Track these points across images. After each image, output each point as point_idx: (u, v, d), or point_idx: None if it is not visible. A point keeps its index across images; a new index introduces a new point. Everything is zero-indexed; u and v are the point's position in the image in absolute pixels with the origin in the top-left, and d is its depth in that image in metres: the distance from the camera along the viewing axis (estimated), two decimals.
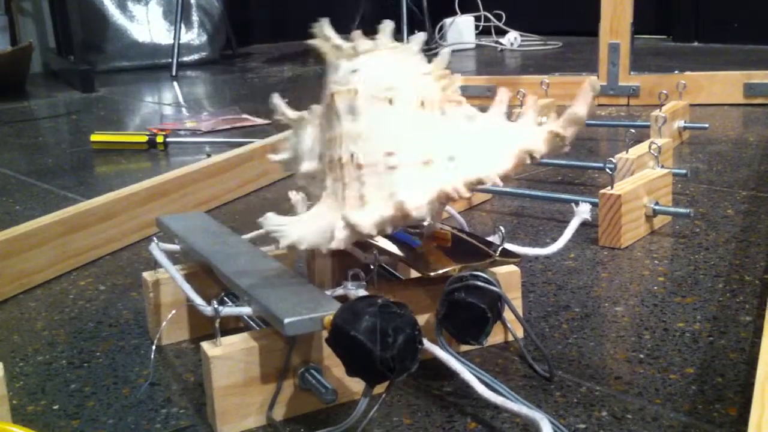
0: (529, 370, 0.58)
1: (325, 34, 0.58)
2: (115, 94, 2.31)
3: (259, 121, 1.69)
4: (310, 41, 0.59)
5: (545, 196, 0.98)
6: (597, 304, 0.69)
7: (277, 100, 0.61)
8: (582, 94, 0.48)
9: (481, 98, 1.69)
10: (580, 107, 0.48)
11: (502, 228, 0.62)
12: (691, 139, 1.30)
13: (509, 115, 0.54)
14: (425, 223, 0.65)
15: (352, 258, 0.64)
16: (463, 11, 3.04)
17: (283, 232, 0.55)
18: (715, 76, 1.61)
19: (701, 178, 1.07)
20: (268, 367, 0.52)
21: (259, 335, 0.53)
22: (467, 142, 0.52)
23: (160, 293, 0.65)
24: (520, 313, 0.61)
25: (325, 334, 0.50)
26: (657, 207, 0.86)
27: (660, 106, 1.22)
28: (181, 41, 2.74)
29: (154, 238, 0.67)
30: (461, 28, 2.96)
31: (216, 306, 0.52)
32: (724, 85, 1.59)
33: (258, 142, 1.21)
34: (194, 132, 1.62)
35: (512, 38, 2.90)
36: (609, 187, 0.83)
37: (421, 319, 0.59)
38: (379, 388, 0.49)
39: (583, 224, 0.71)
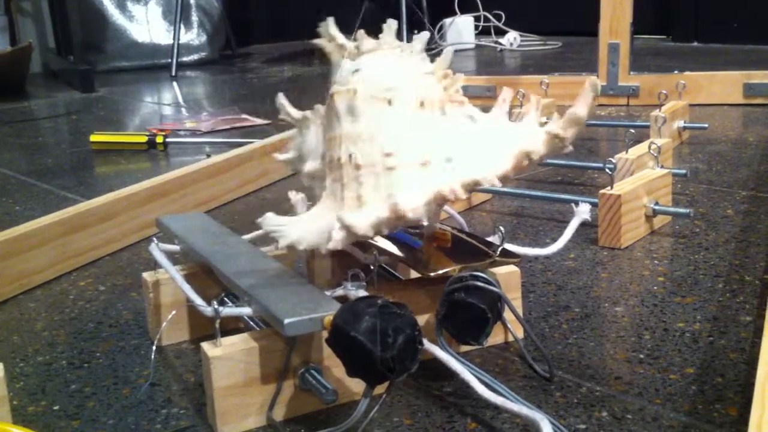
0: (529, 371, 0.59)
1: (330, 34, 0.58)
2: (114, 94, 2.31)
3: (259, 121, 1.69)
4: (315, 40, 0.59)
5: (545, 197, 0.98)
6: (597, 304, 0.69)
7: (283, 100, 0.61)
8: (582, 95, 0.48)
9: (480, 98, 1.69)
10: (581, 108, 0.48)
11: (502, 228, 0.62)
12: (690, 139, 1.30)
13: (511, 115, 0.53)
14: (425, 224, 0.65)
15: (352, 258, 0.64)
16: (463, 11, 3.04)
17: (282, 232, 0.55)
18: (715, 76, 1.61)
19: (701, 178, 1.07)
20: (268, 368, 0.52)
21: (259, 336, 0.53)
22: (466, 143, 0.52)
23: (160, 294, 0.65)
24: (520, 313, 0.61)
25: (325, 334, 0.50)
26: (657, 207, 0.86)
27: (660, 106, 1.22)
28: (180, 41, 2.74)
29: (154, 239, 0.67)
30: (461, 28, 2.96)
31: (216, 306, 0.52)
32: (723, 85, 1.59)
33: (258, 143, 1.21)
34: (194, 132, 1.62)
35: (512, 38, 2.90)
36: (609, 188, 0.83)
37: (421, 319, 0.59)
38: (380, 389, 0.49)
39: (583, 224, 0.71)
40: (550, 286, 0.74)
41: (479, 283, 0.55)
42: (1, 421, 0.50)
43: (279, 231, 0.55)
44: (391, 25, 0.57)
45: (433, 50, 2.67)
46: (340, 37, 0.58)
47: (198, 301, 0.57)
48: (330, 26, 0.58)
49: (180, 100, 2.19)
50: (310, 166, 0.58)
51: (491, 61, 2.64)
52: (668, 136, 1.16)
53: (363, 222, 0.51)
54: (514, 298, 0.63)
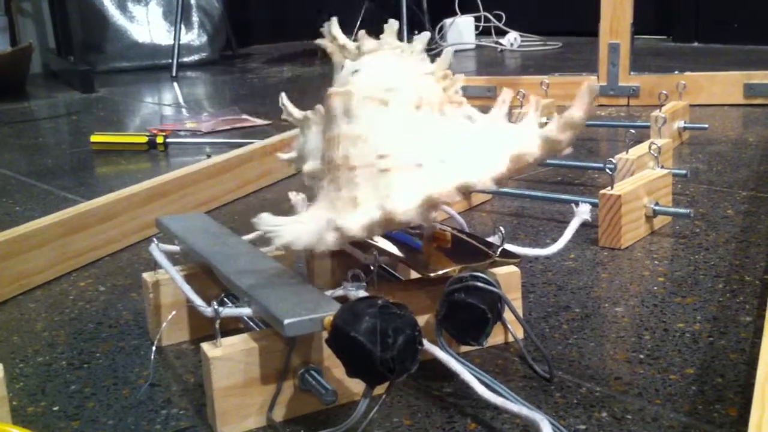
0: (529, 371, 0.58)
1: (332, 34, 0.58)
2: (115, 94, 2.31)
3: (259, 121, 1.69)
4: (317, 40, 0.59)
5: (545, 197, 0.98)
6: (597, 304, 0.69)
7: (285, 101, 0.61)
8: (579, 98, 0.48)
9: (481, 99, 1.69)
10: (577, 111, 0.48)
11: (502, 228, 0.62)
12: (690, 139, 1.30)
13: (510, 116, 0.53)
14: (424, 224, 0.65)
15: (352, 259, 0.64)
16: (463, 12, 3.04)
17: (278, 232, 0.55)
18: (715, 76, 1.61)
19: (701, 178, 1.07)
20: (268, 368, 0.52)
21: (259, 336, 0.53)
22: (460, 145, 0.52)
23: (160, 294, 0.65)
24: (520, 313, 0.61)
25: (325, 334, 0.50)
26: (657, 207, 0.86)
27: (660, 106, 1.22)
28: (181, 42, 2.74)
29: (154, 239, 0.67)
30: (461, 28, 2.96)
31: (216, 307, 0.52)
32: (723, 86, 1.59)
33: (258, 143, 1.21)
34: (194, 133, 1.62)
35: (512, 38, 2.90)
36: (609, 188, 0.83)
37: (421, 319, 0.59)
38: (380, 389, 0.49)
39: (583, 225, 0.71)
40: (550, 287, 0.74)
41: (479, 284, 0.55)
42: (1, 421, 0.50)
43: (274, 231, 0.55)
44: (392, 26, 0.57)
45: (433, 51, 2.67)
46: (342, 38, 0.58)
47: (198, 301, 0.57)
48: (333, 26, 0.58)
49: (180, 100, 2.19)
50: (310, 166, 0.58)
51: (491, 62, 2.64)
52: (668, 136, 1.16)
53: (355, 224, 0.51)
54: (514, 298, 0.63)
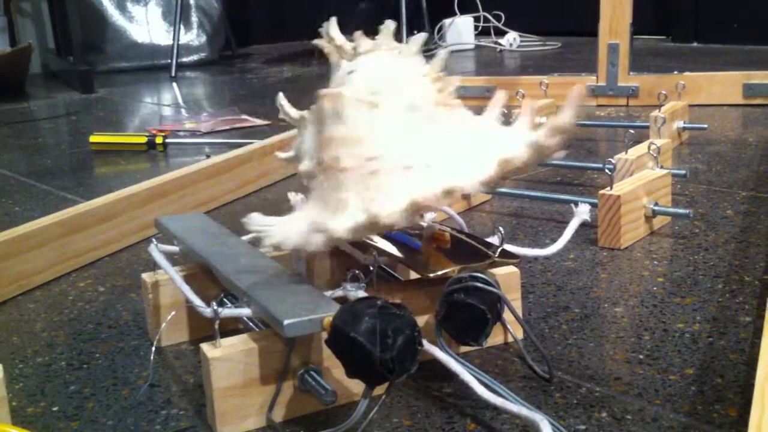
0: (529, 371, 0.58)
1: (330, 35, 0.58)
2: (114, 95, 2.31)
3: (259, 121, 1.69)
4: (315, 41, 0.59)
5: (544, 197, 0.98)
6: (596, 304, 0.69)
7: (282, 100, 0.61)
8: (568, 103, 0.48)
9: (480, 99, 1.69)
10: (564, 116, 0.47)
11: (501, 229, 0.62)
12: (690, 139, 1.30)
13: (508, 117, 0.53)
14: (424, 224, 0.65)
15: (351, 259, 0.64)
16: (463, 12, 3.04)
17: (269, 231, 0.55)
18: (715, 76, 1.61)
19: (700, 178, 1.07)
20: (267, 369, 0.52)
21: (258, 337, 0.53)
22: (449, 148, 0.51)
23: (160, 294, 0.65)
24: (520, 314, 0.61)
25: (324, 335, 0.50)
26: (656, 207, 0.86)
27: (659, 106, 1.22)
28: (180, 42, 2.74)
29: (154, 240, 0.67)
30: (460, 28, 2.96)
31: (215, 307, 0.52)
32: (723, 86, 1.59)
33: (257, 143, 1.21)
34: (193, 133, 1.62)
35: (511, 39, 2.90)
36: (608, 188, 0.83)
37: (421, 320, 0.59)
38: (379, 390, 0.49)
39: (583, 225, 0.71)
40: (549, 287, 0.74)
41: (479, 284, 0.55)
42: (1, 422, 0.50)
43: (265, 231, 0.55)
44: (388, 26, 0.56)
45: (432, 51, 2.67)
46: (340, 38, 0.58)
47: (197, 302, 0.57)
48: (331, 27, 0.58)
49: (179, 100, 2.19)
50: (305, 165, 0.58)
51: (491, 62, 2.64)
52: (668, 136, 1.16)
53: (340, 227, 0.51)
54: (514, 298, 0.63)
